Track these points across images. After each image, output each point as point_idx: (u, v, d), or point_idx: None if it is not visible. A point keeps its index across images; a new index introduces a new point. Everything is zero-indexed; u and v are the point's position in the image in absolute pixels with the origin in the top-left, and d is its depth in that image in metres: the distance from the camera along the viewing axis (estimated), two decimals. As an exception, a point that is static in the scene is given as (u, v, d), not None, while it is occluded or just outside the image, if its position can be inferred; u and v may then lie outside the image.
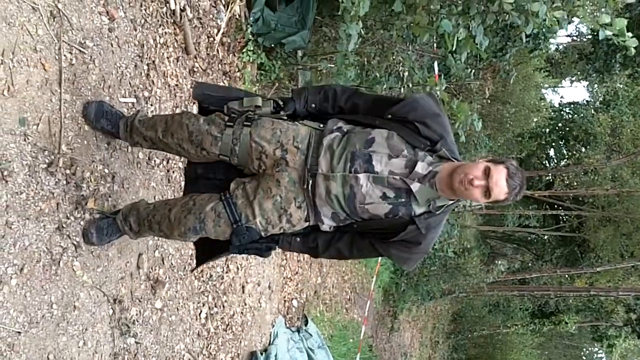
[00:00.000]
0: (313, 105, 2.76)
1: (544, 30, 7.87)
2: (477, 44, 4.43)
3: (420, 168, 2.54)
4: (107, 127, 3.09)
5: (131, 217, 2.98)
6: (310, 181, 2.60)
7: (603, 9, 3.78)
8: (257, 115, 2.72)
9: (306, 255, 7.59)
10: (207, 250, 2.99)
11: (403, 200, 2.56)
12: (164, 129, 2.86)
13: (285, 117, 2.75)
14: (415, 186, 2.53)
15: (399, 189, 2.55)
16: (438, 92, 5.06)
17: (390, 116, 2.62)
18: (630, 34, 3.60)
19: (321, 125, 2.73)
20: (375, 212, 2.59)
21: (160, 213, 2.87)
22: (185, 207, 2.78)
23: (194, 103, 4.40)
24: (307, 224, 2.72)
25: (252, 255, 2.83)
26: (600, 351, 30.14)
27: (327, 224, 2.72)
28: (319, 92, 2.77)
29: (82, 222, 2.99)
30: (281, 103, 2.77)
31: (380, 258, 11.33)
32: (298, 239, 2.80)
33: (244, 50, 5.18)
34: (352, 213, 2.63)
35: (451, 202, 2.64)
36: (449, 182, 2.50)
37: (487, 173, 2.45)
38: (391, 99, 2.77)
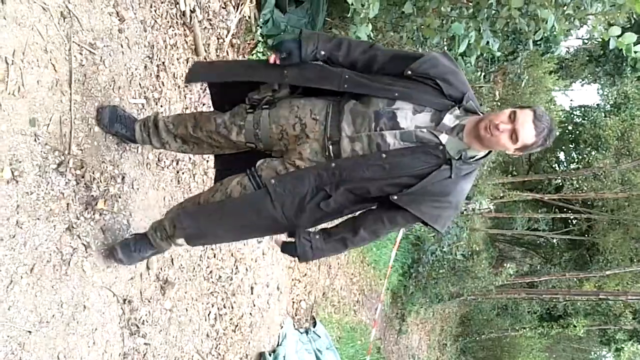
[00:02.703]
0: (322, 53, 2.65)
1: (551, 37, 7.86)
2: (487, 47, 4.42)
3: (447, 120, 2.51)
4: (122, 131, 3.10)
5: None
6: (332, 147, 2.59)
7: (616, 17, 3.75)
8: (276, 99, 2.77)
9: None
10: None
11: None
12: (193, 124, 2.94)
13: (302, 94, 2.77)
14: (444, 137, 2.50)
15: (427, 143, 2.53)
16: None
17: (410, 72, 2.56)
18: None
19: (338, 97, 2.68)
20: None
21: (190, 202, 3.00)
22: (212, 188, 2.90)
23: (203, 104, 4.40)
24: None
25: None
26: (609, 354, 29.98)
27: None
28: (331, 40, 2.68)
29: (92, 223, 3.00)
30: (285, 54, 2.64)
31: (390, 261, 11.34)
32: None
33: (254, 51, 5.18)
34: None
35: (482, 154, 2.58)
36: (476, 132, 2.46)
37: (512, 117, 2.40)
38: (410, 55, 2.67)
